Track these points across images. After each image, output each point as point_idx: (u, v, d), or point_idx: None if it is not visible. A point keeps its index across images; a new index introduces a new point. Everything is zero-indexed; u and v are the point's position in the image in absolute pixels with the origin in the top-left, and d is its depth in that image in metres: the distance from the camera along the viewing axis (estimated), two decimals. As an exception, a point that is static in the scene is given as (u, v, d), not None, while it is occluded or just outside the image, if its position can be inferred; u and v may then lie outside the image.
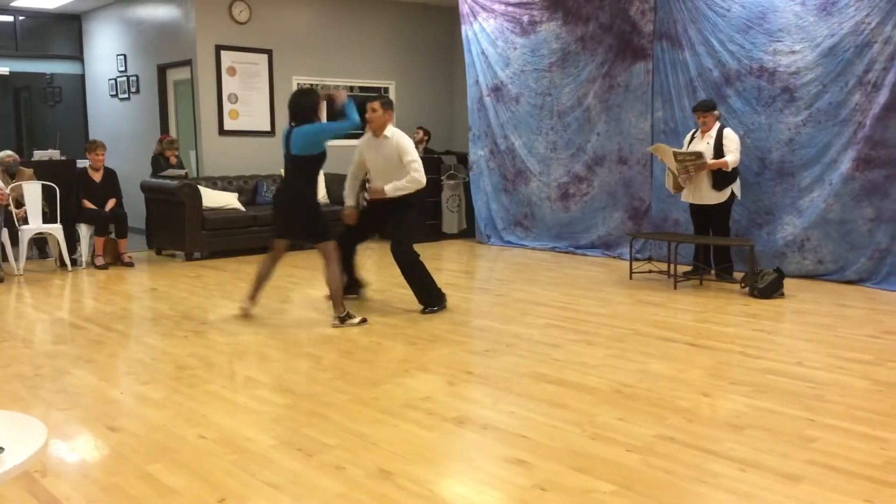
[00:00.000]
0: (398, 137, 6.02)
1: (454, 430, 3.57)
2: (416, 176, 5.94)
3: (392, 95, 11.24)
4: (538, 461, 3.18)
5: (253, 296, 5.88)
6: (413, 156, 6.00)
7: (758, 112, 7.43)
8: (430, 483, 3.01)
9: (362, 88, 10.98)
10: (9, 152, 8.66)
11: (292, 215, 5.68)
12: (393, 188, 5.96)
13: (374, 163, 6.13)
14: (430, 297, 6.05)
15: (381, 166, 6.06)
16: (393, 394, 4.07)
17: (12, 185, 8.10)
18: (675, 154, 7.04)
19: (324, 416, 3.74)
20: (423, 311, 5.99)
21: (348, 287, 6.34)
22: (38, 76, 12.55)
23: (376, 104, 6.00)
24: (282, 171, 6.25)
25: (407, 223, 6.14)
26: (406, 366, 4.58)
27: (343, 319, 5.60)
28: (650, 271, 7.57)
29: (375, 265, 8.41)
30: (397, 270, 7.94)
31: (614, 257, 8.66)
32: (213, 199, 8.91)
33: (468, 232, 10.48)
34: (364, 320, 5.68)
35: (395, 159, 5.97)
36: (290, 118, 5.72)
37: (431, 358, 4.75)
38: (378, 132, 6.02)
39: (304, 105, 5.66)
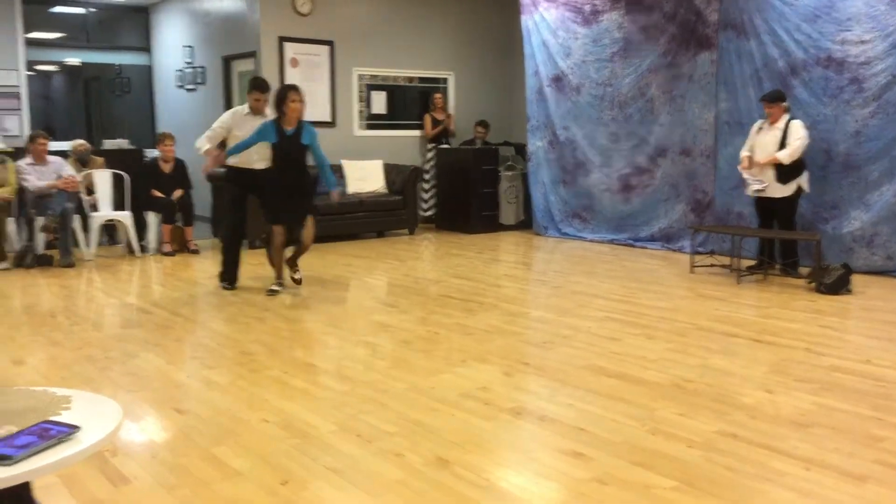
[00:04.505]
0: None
1: (511, 420, 3.58)
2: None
3: (451, 86, 11.25)
4: (597, 454, 3.17)
5: (280, 275, 6.46)
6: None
7: (824, 103, 7.24)
8: (487, 472, 3.02)
9: (421, 79, 11.02)
10: (81, 141, 8.94)
11: (308, 200, 6.42)
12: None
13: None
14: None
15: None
16: (450, 383, 4.10)
17: (84, 172, 8.35)
18: None
19: (382, 404, 3.78)
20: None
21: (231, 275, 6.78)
22: (108, 67, 12.91)
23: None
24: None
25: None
26: (463, 356, 4.61)
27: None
28: (712, 265, 7.44)
29: (432, 255, 8.45)
30: (456, 261, 7.98)
31: (675, 250, 8.54)
32: (275, 188, 9.02)
33: (525, 223, 10.44)
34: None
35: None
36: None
37: (488, 348, 4.76)
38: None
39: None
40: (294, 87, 6.26)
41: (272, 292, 6.33)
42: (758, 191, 6.95)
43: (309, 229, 6.36)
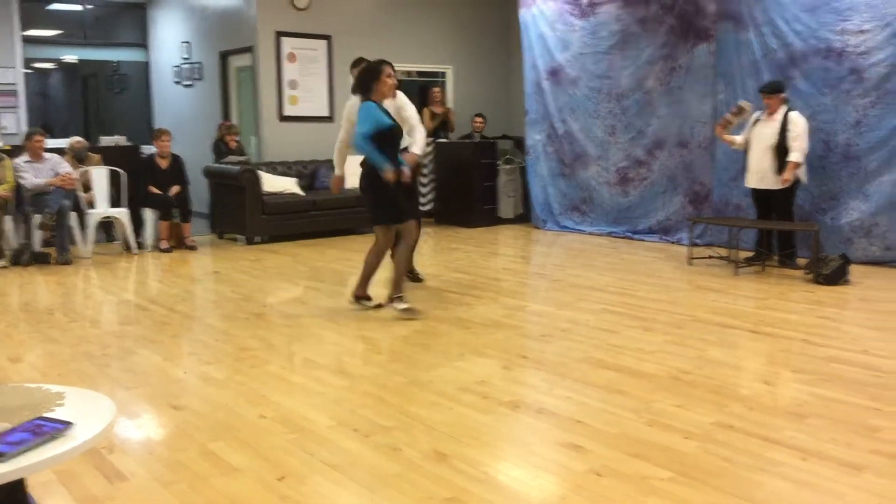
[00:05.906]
0: (400, 95, 5.96)
1: (509, 414, 3.58)
2: (422, 127, 5.96)
3: (449, 80, 11.24)
4: (594, 447, 3.17)
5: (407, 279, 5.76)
6: (414, 109, 6.05)
7: (824, 94, 7.22)
8: (485, 466, 3.02)
9: (420, 73, 11.00)
10: (78, 138, 8.93)
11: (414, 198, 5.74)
12: (420, 149, 5.78)
13: None
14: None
15: None
16: (448, 377, 4.09)
17: (81, 170, 8.34)
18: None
19: (380, 398, 3.78)
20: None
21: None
22: (105, 64, 12.89)
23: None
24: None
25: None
26: (461, 350, 4.60)
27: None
28: (710, 257, 7.43)
29: (431, 249, 8.44)
30: (454, 255, 7.98)
31: (673, 243, 8.53)
32: (273, 184, 9.03)
33: (524, 217, 10.43)
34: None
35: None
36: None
37: (487, 342, 4.76)
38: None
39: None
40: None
41: (404, 309, 5.38)
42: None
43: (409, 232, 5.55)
